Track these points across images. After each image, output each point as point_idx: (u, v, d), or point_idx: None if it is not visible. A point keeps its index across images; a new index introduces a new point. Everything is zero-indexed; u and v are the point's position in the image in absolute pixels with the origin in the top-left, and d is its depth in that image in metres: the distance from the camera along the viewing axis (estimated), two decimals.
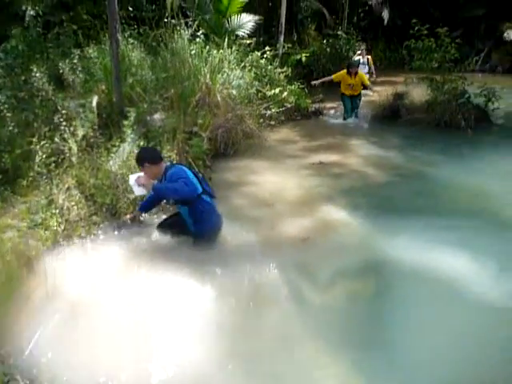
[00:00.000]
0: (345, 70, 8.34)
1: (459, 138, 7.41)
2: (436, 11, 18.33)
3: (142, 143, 4.80)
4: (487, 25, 17.77)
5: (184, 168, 3.47)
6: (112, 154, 4.57)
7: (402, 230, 4.13)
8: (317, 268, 3.63)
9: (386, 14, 17.56)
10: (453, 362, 2.66)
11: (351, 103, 8.52)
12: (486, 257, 3.65)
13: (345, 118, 8.57)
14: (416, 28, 8.22)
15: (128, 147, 4.54)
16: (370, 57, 11.17)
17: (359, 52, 11.48)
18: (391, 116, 8.57)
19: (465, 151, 6.85)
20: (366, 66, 10.73)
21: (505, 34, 16.27)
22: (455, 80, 8.12)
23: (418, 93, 8.64)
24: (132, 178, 3.44)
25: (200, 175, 3.70)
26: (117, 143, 4.68)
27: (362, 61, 10.60)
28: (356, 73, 8.27)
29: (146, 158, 3.43)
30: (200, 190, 3.44)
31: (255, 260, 3.66)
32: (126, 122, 4.76)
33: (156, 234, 3.77)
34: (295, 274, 3.53)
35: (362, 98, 8.82)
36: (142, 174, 3.42)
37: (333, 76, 8.57)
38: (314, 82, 8.86)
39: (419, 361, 2.68)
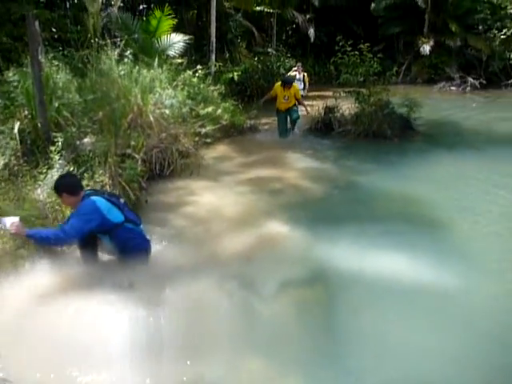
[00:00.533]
0: (279, 83, 8.49)
1: (387, 147, 7.80)
2: (358, 28, 19.38)
3: (71, 169, 4.59)
4: (405, 40, 19.02)
5: (96, 201, 3.23)
6: (39, 182, 4.32)
7: (340, 238, 4.27)
8: (261, 281, 3.62)
9: (311, 33, 18.30)
10: (400, 368, 2.73)
11: (286, 120, 8.56)
12: (418, 257, 3.87)
13: (281, 135, 8.62)
14: (340, 44, 8.63)
15: (56, 174, 4.32)
16: (305, 74, 11.45)
17: (295, 68, 11.70)
18: (324, 129, 8.87)
19: (393, 159, 7.21)
20: (302, 83, 10.96)
21: (421, 49, 17.46)
22: (380, 92, 8.57)
23: (347, 105, 9.02)
24: (7, 222, 3.08)
25: (122, 201, 3.54)
26: (44, 170, 4.44)
27: (298, 77, 10.91)
28: (290, 86, 8.40)
29: (65, 188, 3.27)
30: (121, 218, 3.33)
31: (196, 278, 3.60)
32: (52, 148, 4.53)
33: (88, 263, 3.58)
34: (239, 289, 3.50)
35: None
36: (15, 219, 3.11)
37: (271, 92, 8.69)
38: (260, 102, 9.27)
39: (366, 367, 2.73)
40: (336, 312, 3.25)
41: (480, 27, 18.76)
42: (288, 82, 8.43)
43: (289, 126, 8.72)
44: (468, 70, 17.60)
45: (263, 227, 4.56)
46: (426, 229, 4.53)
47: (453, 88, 17.01)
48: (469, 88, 16.85)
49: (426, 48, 17.34)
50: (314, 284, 3.64)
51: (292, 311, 3.28)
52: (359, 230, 4.44)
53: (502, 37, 17.81)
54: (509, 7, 17.82)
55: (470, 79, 17.09)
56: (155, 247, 3.83)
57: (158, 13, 9.39)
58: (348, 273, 3.68)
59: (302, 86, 10.90)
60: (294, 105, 8.60)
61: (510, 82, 17.06)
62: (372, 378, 2.65)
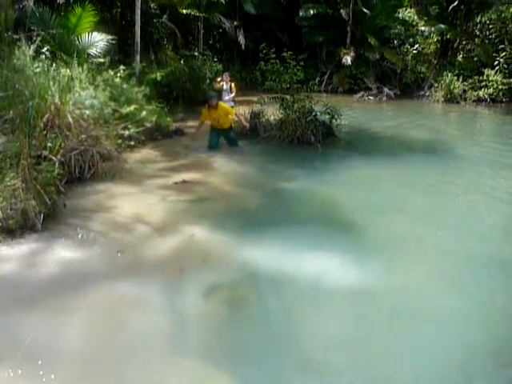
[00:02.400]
0: (205, 109, 7.91)
1: (310, 152, 8.08)
2: (284, 36, 19.94)
3: None
4: (328, 50, 19.87)
5: None
6: None
7: (265, 241, 4.38)
8: (189, 285, 3.60)
9: (242, 40, 18.55)
10: (320, 359, 2.83)
11: (218, 135, 8.01)
12: (340, 256, 4.11)
13: (209, 147, 7.94)
14: (264, 51, 8.82)
15: None
16: (233, 83, 10.81)
17: (220, 79, 10.99)
18: (250, 134, 8.97)
19: (316, 164, 7.48)
20: (229, 93, 10.47)
21: (343, 60, 18.34)
22: (303, 99, 8.86)
23: (272, 111, 9.22)
24: None
25: None
26: None
27: (225, 87, 10.50)
28: (217, 105, 7.78)
29: None
30: None
31: (115, 284, 3.51)
32: None
33: None
34: (162, 293, 3.46)
35: None
36: None
37: (201, 119, 8.09)
38: (193, 138, 8.42)
39: (297, 365, 2.79)
40: (265, 311, 3.31)
41: (395, 42, 20.14)
42: (209, 98, 7.82)
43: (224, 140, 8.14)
44: (384, 81, 18.80)
45: (186, 232, 4.51)
46: (345, 229, 4.74)
47: (371, 97, 18.05)
48: (385, 98, 18.00)
49: (347, 59, 18.24)
50: (242, 286, 3.68)
51: (221, 312, 3.30)
52: (284, 233, 4.55)
53: (414, 52, 19.27)
54: (419, 24, 19.30)
55: (386, 90, 18.25)
56: (72, 252, 3.67)
57: (78, 9, 8.99)
58: (275, 274, 3.77)
59: (231, 96, 10.45)
60: (231, 127, 8.12)
61: (420, 93, 18.45)
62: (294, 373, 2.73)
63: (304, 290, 3.59)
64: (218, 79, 11.11)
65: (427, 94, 18.23)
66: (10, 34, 4.81)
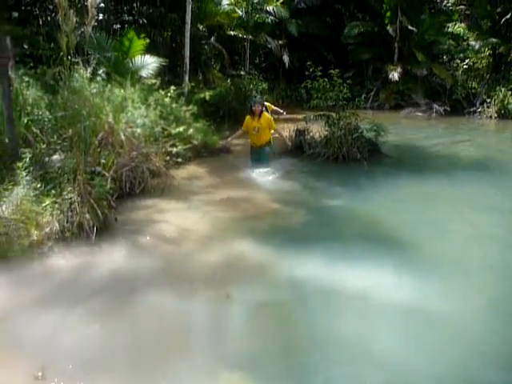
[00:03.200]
0: (248, 116, 7.55)
1: (356, 170, 8.00)
2: (329, 55, 19.99)
3: (38, 185, 4.53)
4: (374, 67, 19.71)
5: None
6: (4, 199, 4.24)
7: (311, 257, 4.37)
8: (235, 299, 3.65)
9: (286, 58, 18.79)
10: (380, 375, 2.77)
11: (258, 154, 7.64)
12: (387, 273, 4.06)
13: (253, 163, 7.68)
14: (311, 69, 8.88)
15: (22, 191, 4.25)
16: (267, 104, 9.77)
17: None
18: (295, 151, 9.01)
19: (361, 181, 7.40)
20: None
21: (390, 76, 18.12)
22: (349, 116, 8.82)
23: (318, 129, 9.23)
24: None
25: None
26: (9, 187, 4.36)
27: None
28: (261, 113, 7.41)
29: None
30: None
31: (165, 295, 3.61)
32: (19, 164, 4.46)
33: None
34: (211, 305, 3.55)
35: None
36: None
37: (243, 126, 7.71)
38: (224, 142, 8.64)
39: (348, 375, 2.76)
40: (313, 327, 3.32)
41: (444, 57, 19.68)
42: (254, 104, 7.48)
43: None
44: (433, 97, 18.33)
45: (232, 247, 4.59)
46: (392, 247, 4.66)
47: (419, 114, 17.65)
48: (434, 114, 17.52)
49: (394, 75, 17.99)
50: (289, 300, 3.70)
51: (269, 327, 3.32)
52: (329, 250, 4.55)
53: (465, 67, 18.72)
54: (470, 39, 18.78)
55: (436, 106, 17.78)
56: (122, 263, 3.83)
57: (130, 34, 9.48)
58: (322, 289, 3.79)
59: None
60: (269, 142, 7.68)
61: (472, 109, 17.83)
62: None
63: (353, 306, 3.58)
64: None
65: (479, 110, 17.59)
66: (70, 57, 5.11)
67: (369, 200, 6.36)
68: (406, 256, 4.46)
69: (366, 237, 5.00)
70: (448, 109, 17.84)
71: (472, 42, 18.55)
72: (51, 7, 11.33)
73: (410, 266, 4.23)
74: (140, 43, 9.49)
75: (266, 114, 7.51)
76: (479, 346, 3.12)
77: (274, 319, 3.44)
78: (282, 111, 10.51)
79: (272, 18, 17.58)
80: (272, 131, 7.75)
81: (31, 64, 8.27)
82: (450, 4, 19.92)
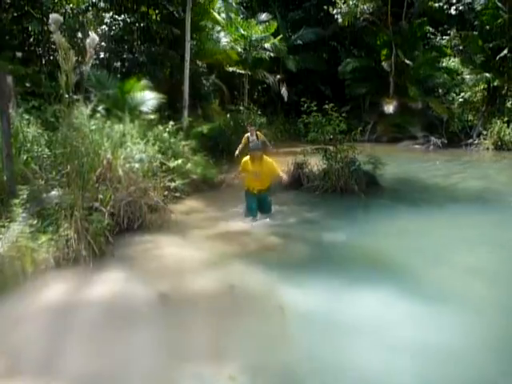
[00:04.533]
0: (246, 158, 6.77)
1: (353, 202, 8.02)
2: (326, 89, 20.41)
3: (35, 222, 4.52)
4: (371, 101, 20.09)
5: None
6: (0, 236, 4.22)
7: (311, 290, 4.36)
8: (233, 331, 3.62)
9: (285, 93, 19.19)
10: None
11: (257, 203, 6.72)
12: (391, 302, 4.09)
13: (248, 215, 6.73)
14: (305, 105, 9.05)
15: (18, 227, 4.24)
16: (259, 132, 10.60)
17: (250, 132, 10.45)
18: (293, 184, 9.05)
19: (359, 214, 7.43)
20: (257, 141, 9.70)
21: (385, 109, 18.43)
22: (346, 150, 8.91)
23: (316, 161, 9.30)
24: None
25: None
26: (5, 223, 4.35)
27: (251, 139, 10.06)
28: (261, 157, 6.62)
29: None
30: None
31: (158, 327, 3.55)
32: (15, 201, 4.48)
33: None
34: (208, 345, 3.47)
35: None
36: None
37: (240, 169, 6.89)
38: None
39: None
40: (316, 354, 3.30)
41: (440, 90, 20.07)
42: (253, 150, 6.76)
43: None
44: (430, 130, 18.59)
45: (230, 282, 4.53)
46: (391, 279, 4.62)
47: (416, 146, 17.85)
48: (432, 147, 17.73)
49: (390, 108, 18.32)
50: (296, 335, 3.66)
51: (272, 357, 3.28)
52: (326, 281, 4.53)
53: (460, 100, 19.05)
54: (464, 73, 19.18)
55: (433, 138, 18.01)
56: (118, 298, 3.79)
57: (132, 81, 9.81)
58: (323, 321, 3.77)
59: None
60: (269, 188, 6.82)
61: (469, 141, 18.04)
62: None
63: (351, 331, 3.57)
64: (247, 135, 10.48)
65: (476, 142, 17.81)
66: (69, 95, 5.22)
67: (366, 233, 6.33)
68: (403, 287, 4.41)
69: (365, 269, 4.96)
70: (445, 141, 18.06)
71: (466, 76, 18.95)
72: (54, 47, 11.66)
73: (408, 297, 4.19)
74: (142, 85, 9.74)
75: (267, 158, 6.69)
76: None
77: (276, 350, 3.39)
78: (269, 145, 10.59)
79: (270, 54, 18.05)
80: (274, 176, 6.78)
81: (33, 101, 8.43)
82: (443, 40, 20.48)
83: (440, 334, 3.60)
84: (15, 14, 10.86)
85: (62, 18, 4.93)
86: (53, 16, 4.90)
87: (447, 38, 20.44)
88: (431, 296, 4.28)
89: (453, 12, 19.67)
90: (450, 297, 4.30)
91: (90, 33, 5.95)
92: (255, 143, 8.28)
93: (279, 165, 7.70)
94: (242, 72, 17.50)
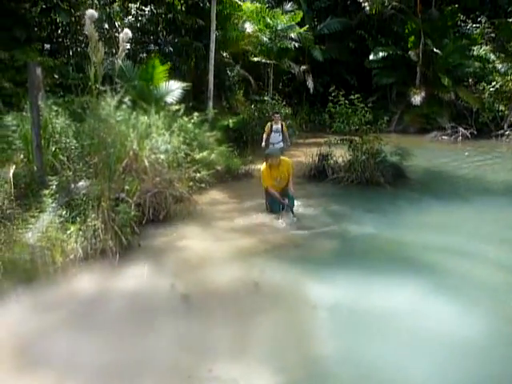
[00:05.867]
0: (264, 166, 6.44)
1: (379, 194, 7.90)
2: (352, 79, 20.07)
3: (63, 212, 4.61)
4: (397, 91, 19.66)
5: None
6: (30, 226, 4.33)
7: (336, 281, 4.36)
8: (256, 325, 3.63)
9: (310, 84, 18.95)
10: None
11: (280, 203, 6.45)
12: (417, 296, 4.06)
13: (272, 210, 6.58)
14: (333, 94, 8.91)
15: (48, 217, 4.34)
16: (284, 123, 10.27)
17: (275, 120, 10.04)
18: (318, 175, 8.98)
19: (385, 206, 7.28)
20: (281, 134, 9.76)
21: (412, 99, 18.01)
22: (372, 140, 8.76)
23: (341, 153, 9.18)
24: None
25: None
26: (36, 214, 4.46)
27: (274, 127, 9.77)
28: (279, 162, 6.41)
29: None
30: None
31: (182, 319, 3.58)
32: (46, 192, 4.57)
33: None
34: (230, 336, 3.48)
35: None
36: None
37: (263, 184, 6.50)
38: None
39: None
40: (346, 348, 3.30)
41: (470, 80, 19.47)
42: (271, 156, 6.43)
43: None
44: (459, 121, 18.07)
45: (254, 275, 4.53)
46: (419, 273, 4.56)
47: (445, 137, 17.40)
48: (460, 138, 17.25)
49: (416, 99, 17.89)
50: (320, 324, 3.67)
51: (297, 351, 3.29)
52: (354, 275, 4.50)
53: (491, 89, 18.43)
54: (496, 61, 18.55)
55: (462, 129, 17.51)
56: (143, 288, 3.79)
57: (152, 61, 9.81)
58: (353, 312, 3.78)
59: (281, 137, 9.72)
60: (288, 185, 6.51)
61: (499, 132, 17.48)
62: None
63: (381, 327, 3.54)
64: (268, 123, 10.23)
65: (507, 132, 17.23)
66: (97, 86, 5.27)
67: (393, 226, 6.23)
68: (432, 281, 4.37)
69: (392, 262, 4.92)
70: (474, 132, 17.54)
71: (498, 65, 18.31)
72: (81, 38, 11.81)
73: (437, 292, 4.16)
74: (162, 69, 9.76)
75: (284, 159, 6.59)
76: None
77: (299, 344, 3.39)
78: (289, 142, 10.33)
79: (295, 43, 17.82)
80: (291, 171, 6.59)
81: (61, 93, 8.57)
82: (475, 28, 19.82)
83: (473, 330, 3.55)
84: (44, 7, 11.01)
85: (96, 14, 4.96)
86: (89, 11, 4.95)
87: (478, 25, 19.76)
88: (461, 292, 4.21)
89: None
90: (479, 293, 4.22)
91: (115, 24, 5.98)
92: (272, 149, 8.08)
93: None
94: (267, 62, 17.36)
